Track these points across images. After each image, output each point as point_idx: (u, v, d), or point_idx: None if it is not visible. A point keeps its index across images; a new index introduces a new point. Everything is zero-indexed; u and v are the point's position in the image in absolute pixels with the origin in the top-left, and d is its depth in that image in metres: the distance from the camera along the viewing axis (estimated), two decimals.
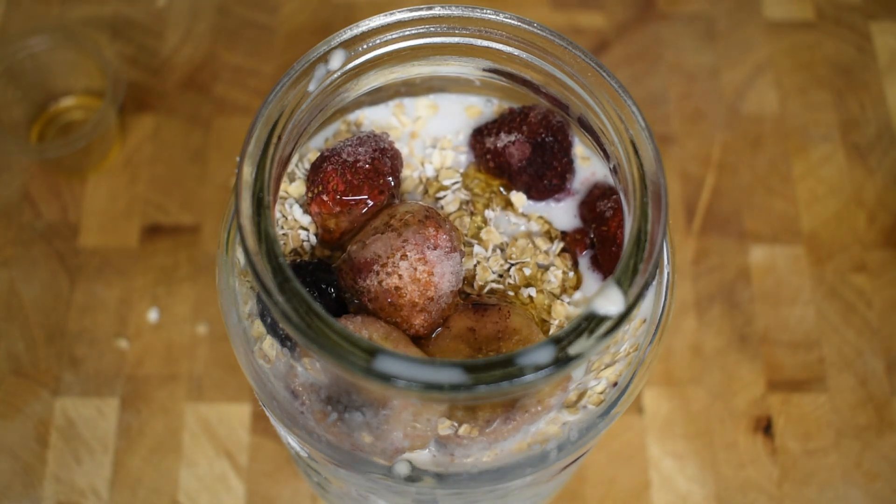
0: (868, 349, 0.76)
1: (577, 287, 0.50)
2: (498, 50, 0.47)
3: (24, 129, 0.80)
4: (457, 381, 0.38)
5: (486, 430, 0.44)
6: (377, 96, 0.53)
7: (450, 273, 0.45)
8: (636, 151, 0.43)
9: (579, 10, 0.88)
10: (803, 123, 0.84)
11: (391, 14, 0.46)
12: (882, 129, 0.84)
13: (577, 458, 0.50)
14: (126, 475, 0.70)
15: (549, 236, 0.51)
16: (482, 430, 0.44)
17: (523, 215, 0.51)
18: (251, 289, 0.47)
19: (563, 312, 0.48)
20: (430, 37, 0.46)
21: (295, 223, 0.49)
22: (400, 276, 0.44)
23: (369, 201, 0.47)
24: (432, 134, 0.53)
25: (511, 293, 0.49)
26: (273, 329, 0.45)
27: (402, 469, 0.44)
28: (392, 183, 0.48)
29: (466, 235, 0.50)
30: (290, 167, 0.50)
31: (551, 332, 0.48)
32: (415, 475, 0.45)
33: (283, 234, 0.49)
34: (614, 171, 0.45)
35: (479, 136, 0.52)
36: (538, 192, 0.51)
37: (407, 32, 0.46)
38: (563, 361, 0.39)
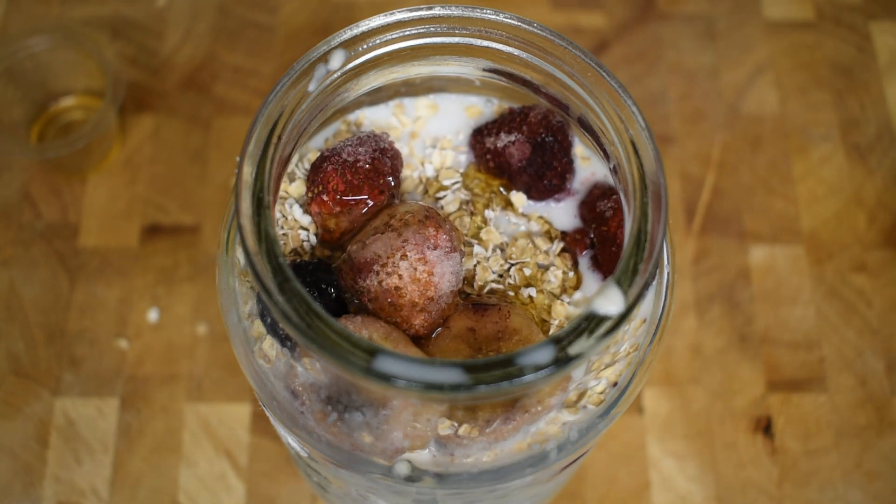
0: (868, 349, 0.76)
1: (577, 287, 0.50)
2: (498, 50, 0.47)
3: (24, 129, 0.80)
4: (457, 381, 0.38)
5: (486, 430, 0.44)
6: (377, 96, 0.53)
7: (450, 273, 0.45)
8: (636, 151, 0.43)
9: (579, 10, 0.88)
10: (803, 123, 0.84)
11: (391, 14, 0.46)
12: (882, 129, 0.84)
13: (577, 458, 0.50)
14: (126, 475, 0.70)
15: (549, 236, 0.51)
16: (482, 430, 0.44)
17: (523, 215, 0.51)
18: (251, 289, 0.47)
19: (563, 312, 0.48)
20: (430, 37, 0.46)
21: (295, 223, 0.49)
22: (400, 276, 0.44)
23: (369, 201, 0.47)
24: (432, 134, 0.53)
25: (511, 293, 0.49)
26: (273, 329, 0.45)
27: (402, 469, 0.44)
28: (392, 183, 0.48)
29: (466, 235, 0.50)
30: (290, 167, 0.50)
31: (551, 332, 0.48)
32: (415, 475, 0.45)
33: (283, 234, 0.49)
34: (614, 171, 0.45)
35: (479, 136, 0.52)
36: (538, 192, 0.51)
37: (407, 32, 0.46)
38: (563, 361, 0.39)
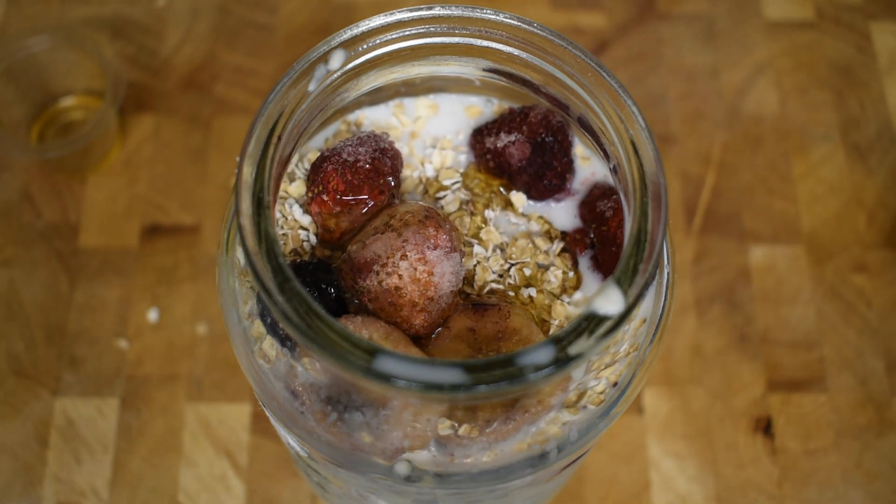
0: (868, 349, 0.76)
1: (577, 287, 0.50)
2: (498, 50, 0.47)
3: (24, 129, 0.80)
4: (457, 381, 0.38)
5: (486, 430, 0.44)
6: (377, 96, 0.53)
7: (450, 273, 0.45)
8: (636, 151, 0.43)
9: (579, 10, 0.88)
10: (803, 123, 0.84)
11: (391, 14, 0.46)
12: (882, 129, 0.84)
13: (577, 458, 0.50)
14: (126, 475, 0.70)
15: (549, 236, 0.51)
16: (482, 430, 0.44)
17: (523, 215, 0.51)
18: (251, 289, 0.47)
19: (563, 312, 0.48)
20: (430, 37, 0.46)
21: (295, 223, 0.49)
22: (400, 276, 0.44)
23: (369, 201, 0.47)
24: (432, 134, 0.53)
25: (511, 293, 0.49)
26: (273, 329, 0.45)
27: (402, 469, 0.44)
28: (392, 183, 0.48)
29: (466, 235, 0.50)
30: (290, 167, 0.50)
31: (551, 332, 0.48)
32: (415, 475, 0.45)
33: (283, 234, 0.49)
34: (614, 171, 0.45)
35: (479, 136, 0.52)
36: (538, 192, 0.51)
37: (407, 32, 0.46)
38: (563, 361, 0.39)
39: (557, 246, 0.50)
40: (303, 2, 0.88)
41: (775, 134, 0.84)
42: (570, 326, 0.40)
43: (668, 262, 0.47)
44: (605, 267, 0.49)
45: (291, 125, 0.44)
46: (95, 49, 0.77)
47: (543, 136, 0.50)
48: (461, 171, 0.52)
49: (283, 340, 0.45)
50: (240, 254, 0.47)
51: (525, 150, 0.50)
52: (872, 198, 0.81)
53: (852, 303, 0.77)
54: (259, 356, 0.46)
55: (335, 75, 0.45)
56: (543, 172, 0.50)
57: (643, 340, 0.47)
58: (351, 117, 0.53)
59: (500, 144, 0.50)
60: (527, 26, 0.46)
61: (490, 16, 0.46)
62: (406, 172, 0.52)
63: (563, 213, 0.52)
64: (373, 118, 0.53)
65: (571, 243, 0.51)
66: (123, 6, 0.86)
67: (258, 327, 0.46)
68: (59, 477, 0.70)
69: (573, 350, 0.39)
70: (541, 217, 0.51)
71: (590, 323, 0.40)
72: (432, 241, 0.45)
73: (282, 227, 0.49)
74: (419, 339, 0.46)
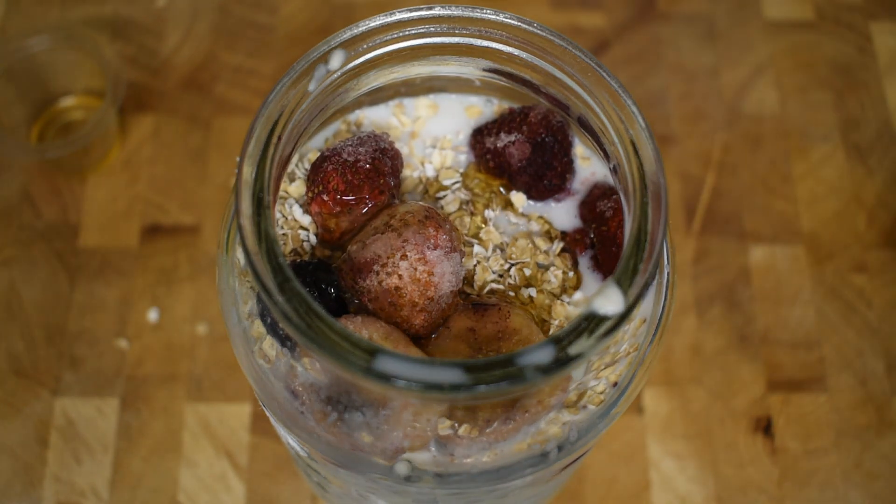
0: (868, 349, 0.76)
1: (577, 287, 0.50)
2: (498, 50, 0.47)
3: (24, 129, 0.80)
4: (457, 381, 0.38)
5: (486, 430, 0.44)
6: (377, 96, 0.53)
7: (450, 273, 0.45)
8: (636, 151, 0.43)
9: (579, 10, 0.88)
10: (803, 123, 0.84)
11: (391, 14, 0.46)
12: (882, 129, 0.84)
13: (577, 458, 0.50)
14: (126, 475, 0.70)
15: (549, 236, 0.51)
16: (482, 430, 0.44)
17: (523, 215, 0.51)
18: (251, 289, 0.47)
19: (563, 312, 0.48)
20: (430, 37, 0.46)
21: (295, 223, 0.49)
22: (400, 276, 0.44)
23: (369, 201, 0.47)
24: (432, 134, 0.53)
25: (511, 293, 0.49)
26: (273, 329, 0.45)
27: (402, 469, 0.44)
28: (392, 183, 0.48)
29: (466, 235, 0.50)
30: (290, 167, 0.50)
31: (551, 332, 0.48)
32: (415, 475, 0.45)
33: (283, 234, 0.49)
34: (614, 171, 0.45)
35: (479, 136, 0.52)
36: (538, 192, 0.51)
37: (407, 32, 0.46)
38: (563, 361, 0.39)
39: (557, 246, 0.50)
40: (303, 2, 0.88)
41: (775, 134, 0.84)
42: (570, 326, 0.40)
43: (668, 262, 0.47)
44: (605, 267, 0.49)
45: (291, 125, 0.44)
46: (95, 49, 0.77)
47: (543, 136, 0.50)
48: (461, 171, 0.52)
49: (283, 340, 0.45)
50: (240, 254, 0.47)
51: (525, 150, 0.50)
52: (872, 198, 0.81)
53: (852, 303, 0.77)
54: (259, 356, 0.46)
55: (335, 75, 0.45)
56: (543, 172, 0.50)
57: (643, 340, 0.47)
58: (351, 117, 0.53)
59: (500, 144, 0.50)
60: (527, 26, 0.46)
61: (490, 16, 0.46)
62: (406, 172, 0.52)
63: (563, 213, 0.52)
64: (373, 118, 0.53)
65: (571, 243, 0.51)
66: (123, 6, 0.86)
67: (258, 327, 0.46)
68: (59, 477, 0.70)
69: (573, 350, 0.39)
70: (541, 217, 0.51)
71: (590, 323, 0.40)
72: (432, 241, 0.45)
73: (282, 227, 0.49)
74: (419, 339, 0.46)
